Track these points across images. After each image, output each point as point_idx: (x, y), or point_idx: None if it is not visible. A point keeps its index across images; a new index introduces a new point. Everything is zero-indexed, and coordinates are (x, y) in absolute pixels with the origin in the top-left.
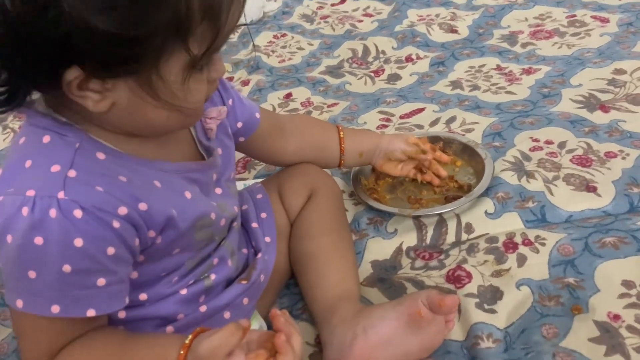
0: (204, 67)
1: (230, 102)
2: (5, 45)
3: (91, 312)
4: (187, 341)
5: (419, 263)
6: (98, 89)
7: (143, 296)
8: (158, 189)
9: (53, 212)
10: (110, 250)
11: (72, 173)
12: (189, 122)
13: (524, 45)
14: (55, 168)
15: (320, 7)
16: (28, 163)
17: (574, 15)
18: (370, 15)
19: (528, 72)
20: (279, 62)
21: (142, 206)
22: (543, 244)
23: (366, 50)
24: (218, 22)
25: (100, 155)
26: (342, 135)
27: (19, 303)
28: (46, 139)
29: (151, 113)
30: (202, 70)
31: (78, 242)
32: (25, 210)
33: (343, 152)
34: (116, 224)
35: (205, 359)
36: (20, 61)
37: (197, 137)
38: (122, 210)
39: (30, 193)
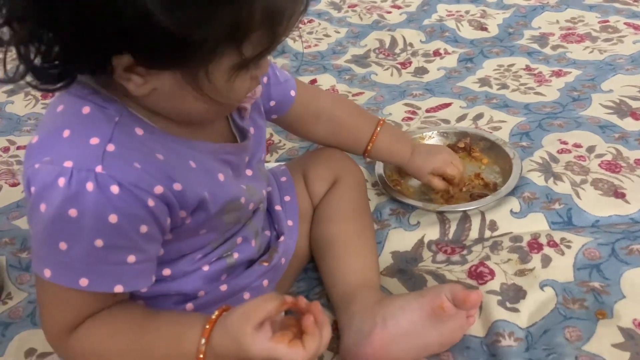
0: (250, 66)
1: (265, 80)
2: (67, 27)
3: (119, 288)
4: (213, 317)
5: (441, 257)
6: (142, 74)
7: (166, 272)
8: (193, 169)
9: (90, 186)
10: (143, 229)
11: (110, 147)
12: (226, 113)
13: (554, 48)
14: (94, 141)
15: None
16: (66, 133)
17: (607, 21)
18: (399, 7)
19: (558, 74)
20: (305, 48)
21: (177, 186)
22: (569, 247)
23: (394, 41)
24: (277, 29)
25: (139, 131)
26: (374, 138)
27: (47, 272)
28: (86, 109)
29: (191, 104)
30: (249, 69)
31: (113, 218)
32: (61, 181)
33: (368, 153)
34: (151, 203)
35: (235, 325)
36: (77, 44)
37: (231, 117)
38: (158, 189)
39: (68, 164)
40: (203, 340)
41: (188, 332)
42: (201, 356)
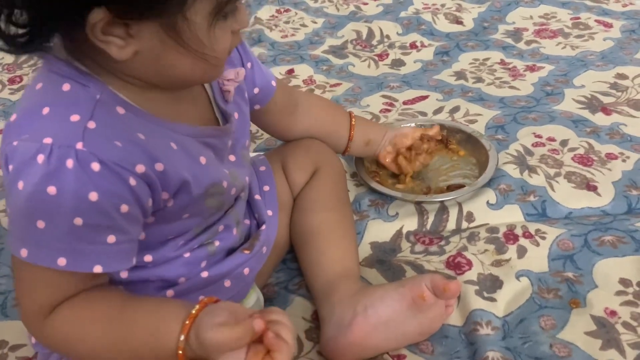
0: (228, 16)
1: (249, 65)
2: None
3: (98, 269)
4: (193, 311)
5: (419, 247)
6: (122, 35)
7: (148, 258)
8: (174, 150)
9: (70, 163)
10: (124, 208)
11: (91, 124)
12: (212, 74)
13: (528, 43)
14: (75, 118)
15: None
16: (45, 110)
17: (579, 18)
18: None
19: (532, 69)
20: (282, 37)
21: (159, 166)
22: (543, 238)
23: (371, 33)
24: None
25: (120, 110)
26: (353, 122)
27: (23, 252)
28: (66, 87)
29: (176, 61)
30: (227, 19)
31: (93, 196)
32: (40, 158)
33: (351, 139)
34: (132, 182)
35: (207, 348)
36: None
37: (214, 100)
38: (140, 168)
39: (47, 141)
40: (182, 337)
41: (168, 325)
42: (180, 352)
